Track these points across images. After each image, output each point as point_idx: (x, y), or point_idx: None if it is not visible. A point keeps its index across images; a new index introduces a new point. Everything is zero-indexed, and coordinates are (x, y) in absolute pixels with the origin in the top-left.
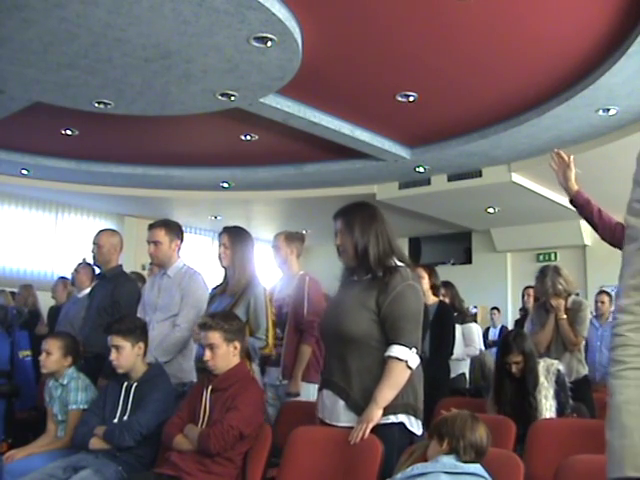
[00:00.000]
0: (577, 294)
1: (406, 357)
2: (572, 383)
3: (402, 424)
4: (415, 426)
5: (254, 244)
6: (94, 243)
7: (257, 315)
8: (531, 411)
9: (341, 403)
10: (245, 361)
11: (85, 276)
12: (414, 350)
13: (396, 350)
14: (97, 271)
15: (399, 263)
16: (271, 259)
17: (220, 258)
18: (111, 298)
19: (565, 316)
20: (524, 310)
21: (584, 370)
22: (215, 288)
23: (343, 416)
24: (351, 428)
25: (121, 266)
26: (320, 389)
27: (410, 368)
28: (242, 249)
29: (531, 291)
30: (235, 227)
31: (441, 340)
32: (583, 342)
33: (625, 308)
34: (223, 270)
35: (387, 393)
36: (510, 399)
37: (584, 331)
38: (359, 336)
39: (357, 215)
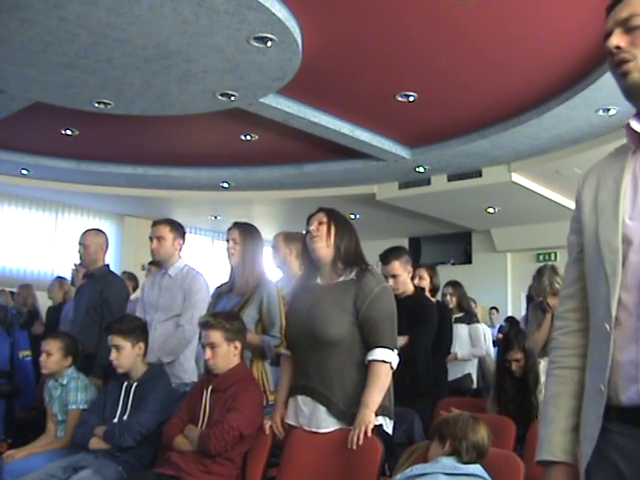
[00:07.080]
0: None
1: (390, 359)
2: None
3: (380, 426)
4: (390, 427)
5: (263, 242)
6: (80, 244)
7: (271, 313)
8: (533, 410)
9: (322, 409)
10: (258, 361)
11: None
12: (395, 351)
13: (380, 353)
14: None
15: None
16: (270, 259)
17: (229, 254)
18: (100, 297)
19: None
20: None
21: None
22: (219, 287)
23: (324, 422)
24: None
25: (108, 265)
26: (293, 395)
27: (392, 369)
28: (252, 246)
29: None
30: (245, 223)
31: (440, 341)
32: None
33: (559, 315)
34: (229, 268)
35: (377, 396)
36: (512, 398)
37: None
38: (340, 340)
39: (339, 214)
